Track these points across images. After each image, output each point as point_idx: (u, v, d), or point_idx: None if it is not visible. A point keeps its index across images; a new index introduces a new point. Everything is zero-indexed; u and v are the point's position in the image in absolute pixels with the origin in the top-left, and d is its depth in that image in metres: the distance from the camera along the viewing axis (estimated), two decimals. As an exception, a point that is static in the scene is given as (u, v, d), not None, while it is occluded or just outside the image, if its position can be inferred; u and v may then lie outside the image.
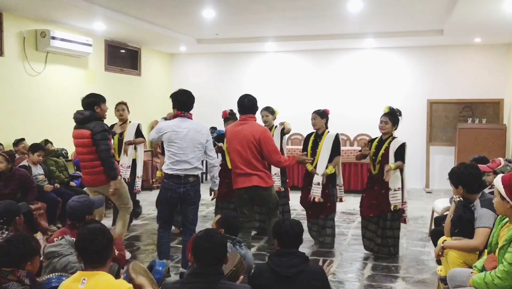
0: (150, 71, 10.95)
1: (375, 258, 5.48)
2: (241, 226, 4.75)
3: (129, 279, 2.83)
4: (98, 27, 8.17)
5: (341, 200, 6.01)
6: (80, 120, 4.87)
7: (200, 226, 6.83)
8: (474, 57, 9.99)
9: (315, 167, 5.76)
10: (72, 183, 7.03)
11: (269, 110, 6.22)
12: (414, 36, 9.05)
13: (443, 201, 6.08)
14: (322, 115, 5.84)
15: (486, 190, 4.25)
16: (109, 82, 9.32)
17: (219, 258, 2.70)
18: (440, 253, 3.85)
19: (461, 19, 7.34)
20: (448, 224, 4.09)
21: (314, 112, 5.90)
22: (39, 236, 5.66)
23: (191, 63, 11.73)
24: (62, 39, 7.64)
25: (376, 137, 5.64)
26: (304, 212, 6.43)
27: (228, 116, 6.33)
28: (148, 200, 8.15)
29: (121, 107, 6.41)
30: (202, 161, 4.95)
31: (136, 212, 7.04)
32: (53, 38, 7.46)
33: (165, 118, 6.72)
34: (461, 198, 3.99)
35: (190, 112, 4.69)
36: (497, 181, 3.03)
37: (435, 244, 4.44)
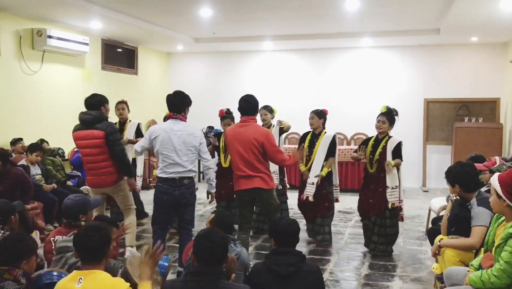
0: (147, 71, 10.93)
1: (372, 257, 5.49)
2: (240, 226, 4.76)
3: (126, 275, 2.82)
4: (94, 26, 8.15)
5: (337, 200, 6.02)
6: (90, 121, 4.82)
7: (198, 225, 6.84)
8: (470, 56, 10.01)
9: (310, 167, 5.78)
10: (69, 182, 7.02)
11: (268, 109, 6.24)
12: (410, 35, 9.06)
13: (440, 200, 6.10)
14: (320, 115, 5.85)
15: (483, 189, 4.26)
16: (106, 82, 9.30)
17: (219, 258, 2.69)
18: (436, 252, 3.86)
19: (457, 18, 7.36)
20: (445, 223, 4.11)
21: (312, 112, 5.91)
22: (34, 235, 5.66)
23: (188, 62, 11.72)
24: (59, 38, 7.61)
25: (372, 137, 5.67)
26: (293, 213, 6.45)
27: (225, 115, 6.32)
28: (146, 200, 8.13)
29: (121, 106, 6.40)
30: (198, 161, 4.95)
31: (145, 212, 7.04)
32: (50, 37, 7.42)
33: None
34: (457, 197, 4.00)
35: (183, 114, 4.59)
36: (494, 180, 3.04)
37: (431, 243, 4.46)
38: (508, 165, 4.58)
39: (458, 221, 3.88)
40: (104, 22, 7.94)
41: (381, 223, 5.49)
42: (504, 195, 2.94)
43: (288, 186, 6.71)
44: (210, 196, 4.89)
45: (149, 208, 7.86)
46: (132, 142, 6.32)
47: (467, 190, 3.88)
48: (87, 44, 8.25)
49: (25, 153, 6.54)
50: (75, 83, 8.57)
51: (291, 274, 2.96)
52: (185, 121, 4.60)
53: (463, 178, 3.88)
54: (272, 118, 6.31)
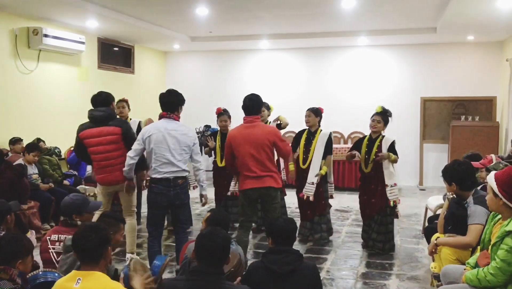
0: (143, 69, 10.91)
1: (369, 255, 5.50)
2: (241, 224, 4.74)
3: (128, 280, 2.80)
4: (91, 24, 8.12)
5: (331, 197, 6.07)
6: (103, 118, 4.80)
7: (195, 224, 6.83)
8: (467, 55, 10.03)
9: (309, 166, 5.80)
10: (66, 182, 7.01)
11: (265, 106, 6.26)
12: (407, 34, 9.07)
13: (437, 198, 6.11)
14: (316, 113, 5.86)
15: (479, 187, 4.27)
16: (102, 80, 9.27)
17: (221, 258, 2.69)
18: (433, 250, 3.87)
19: (454, 17, 7.37)
20: (442, 221, 4.11)
21: (308, 109, 5.92)
22: (29, 235, 5.64)
23: (185, 61, 11.70)
24: (55, 37, 7.58)
25: (365, 136, 5.71)
26: (297, 209, 6.46)
27: (222, 112, 6.49)
28: (143, 199, 8.11)
29: (121, 104, 6.36)
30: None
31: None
32: (46, 35, 7.40)
33: None
34: (454, 195, 4.01)
35: (176, 113, 4.55)
36: (490, 178, 3.05)
37: (428, 241, 4.46)
38: (505, 163, 4.59)
39: (455, 219, 3.89)
40: (100, 21, 7.92)
41: (381, 221, 5.53)
42: (500, 193, 2.94)
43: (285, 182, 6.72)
44: (203, 198, 4.74)
45: (144, 207, 7.86)
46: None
47: (464, 188, 3.89)
48: (83, 43, 8.23)
49: (22, 153, 6.52)
50: (71, 82, 8.55)
51: (288, 273, 2.96)
52: (178, 120, 4.56)
53: (460, 176, 3.89)
54: (268, 115, 6.38)
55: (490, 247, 3.03)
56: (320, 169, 5.76)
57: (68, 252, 3.11)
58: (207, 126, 10.61)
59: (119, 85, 9.81)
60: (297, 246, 5.73)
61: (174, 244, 5.81)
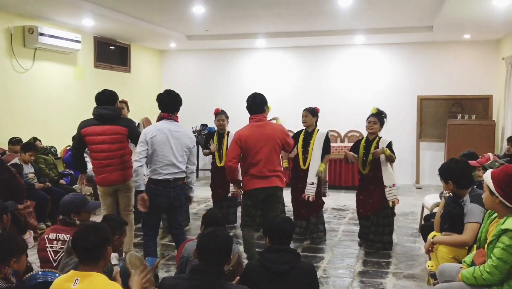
0: (140, 68, 10.88)
1: (366, 254, 5.51)
2: (246, 224, 4.68)
3: (125, 274, 2.79)
4: (87, 23, 8.10)
5: (324, 195, 6.10)
6: (111, 116, 4.76)
7: (192, 223, 6.84)
8: (463, 53, 10.05)
9: (308, 166, 5.83)
10: (62, 181, 6.99)
11: None
12: (403, 32, 9.08)
13: (433, 197, 6.12)
14: (313, 113, 5.89)
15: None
16: (99, 79, 9.25)
17: (222, 258, 2.69)
18: (430, 249, 3.87)
19: (450, 16, 7.38)
20: (438, 220, 4.12)
21: (305, 110, 5.93)
22: (27, 235, 5.63)
23: (181, 59, 11.68)
24: (51, 36, 7.56)
25: (362, 138, 5.74)
26: (288, 208, 6.47)
27: (219, 112, 6.52)
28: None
29: (121, 105, 6.29)
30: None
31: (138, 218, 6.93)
32: (41, 34, 7.37)
33: None
34: (450, 194, 4.01)
35: (176, 114, 4.53)
36: (487, 176, 3.05)
37: (425, 240, 4.47)
38: (501, 162, 4.60)
39: (451, 218, 3.89)
40: (96, 20, 7.90)
41: (378, 222, 5.56)
42: (496, 192, 2.95)
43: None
44: (189, 199, 4.70)
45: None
46: None
47: (461, 186, 3.89)
48: (79, 41, 8.20)
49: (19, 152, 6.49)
50: (67, 81, 8.52)
51: (286, 272, 2.96)
52: (178, 121, 4.55)
53: (457, 174, 3.89)
54: (266, 114, 6.35)
55: (486, 245, 3.04)
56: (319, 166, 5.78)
57: (71, 253, 3.10)
58: (204, 126, 10.61)
59: (115, 84, 9.76)
60: (293, 244, 5.73)
61: (170, 243, 5.83)
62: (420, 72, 10.24)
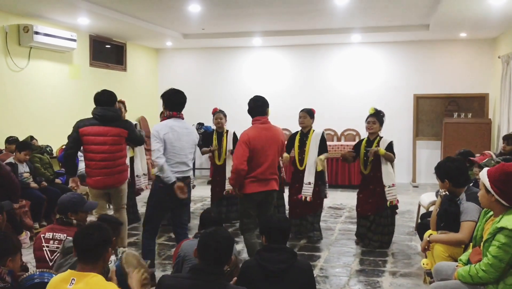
0: (136, 67, 10.85)
1: (363, 253, 5.51)
2: (247, 227, 4.59)
3: (121, 273, 2.78)
4: (82, 21, 8.06)
5: (325, 196, 6.08)
6: (112, 118, 4.73)
7: (190, 222, 6.83)
8: (459, 52, 10.06)
9: (305, 167, 5.84)
10: (58, 180, 6.95)
11: None
12: (400, 31, 9.09)
13: (429, 195, 6.13)
14: (311, 114, 5.93)
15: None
16: (94, 78, 9.21)
17: (223, 258, 2.68)
18: (426, 247, 3.88)
19: (446, 14, 7.38)
20: (434, 218, 4.12)
21: (303, 111, 5.93)
22: (24, 235, 5.60)
23: (177, 58, 11.65)
24: (46, 34, 7.52)
25: (363, 139, 5.76)
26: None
27: (217, 111, 6.56)
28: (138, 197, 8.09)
29: (118, 105, 6.28)
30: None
31: (137, 217, 6.91)
32: (37, 33, 7.33)
33: None
34: (447, 192, 4.01)
35: (182, 112, 4.56)
36: (483, 174, 3.06)
37: (421, 238, 4.47)
38: (497, 160, 4.61)
39: (447, 216, 3.89)
40: (91, 18, 7.86)
41: (379, 221, 5.57)
42: (492, 190, 2.95)
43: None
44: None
45: (138, 206, 7.84)
46: None
47: (457, 185, 3.90)
48: (74, 40, 8.17)
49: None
50: (63, 80, 8.48)
51: (282, 271, 2.95)
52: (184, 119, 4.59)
53: (453, 173, 3.89)
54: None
55: (482, 243, 3.04)
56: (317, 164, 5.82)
57: (67, 254, 3.08)
58: (200, 124, 10.60)
59: (111, 83, 9.74)
60: (290, 243, 5.73)
61: (166, 243, 5.82)
62: (417, 70, 10.25)
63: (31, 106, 7.75)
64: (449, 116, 9.66)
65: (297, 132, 6.04)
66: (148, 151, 9.69)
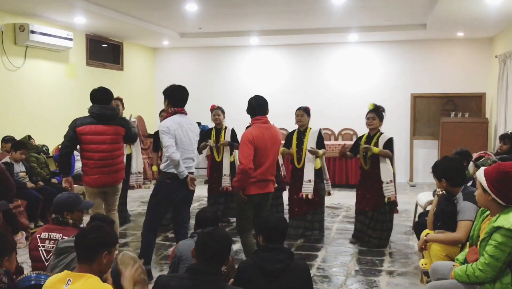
0: (132, 66, 10.82)
1: (360, 252, 5.51)
2: (247, 227, 4.54)
3: (116, 274, 2.76)
4: (78, 21, 8.04)
5: (329, 194, 6.09)
6: (111, 116, 4.71)
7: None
8: (456, 51, 10.07)
9: (303, 165, 5.85)
10: (54, 180, 6.93)
11: None
12: (397, 30, 9.09)
13: (427, 195, 6.13)
14: (308, 112, 5.94)
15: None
16: (91, 77, 9.19)
17: (221, 258, 2.66)
18: (423, 246, 3.87)
19: (443, 14, 7.39)
20: (431, 217, 4.12)
21: (301, 109, 5.93)
22: (19, 235, 5.58)
23: (174, 57, 11.63)
24: (42, 33, 7.49)
25: (363, 134, 5.76)
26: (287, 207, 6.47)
27: (215, 108, 6.61)
28: (131, 196, 8.07)
29: (116, 103, 6.23)
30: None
31: (126, 217, 6.88)
32: (33, 32, 7.31)
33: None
34: (444, 191, 4.01)
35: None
36: (480, 174, 3.05)
37: (418, 237, 4.47)
38: (493, 160, 4.61)
39: (444, 216, 3.89)
40: (88, 17, 7.84)
41: (377, 218, 5.57)
42: (489, 189, 2.95)
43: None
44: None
45: (135, 205, 7.82)
46: None
47: (454, 184, 3.90)
48: (71, 39, 8.14)
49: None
50: (59, 79, 8.46)
51: (279, 271, 2.94)
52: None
53: (450, 172, 3.90)
54: None
55: (478, 243, 3.04)
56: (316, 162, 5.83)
57: (61, 254, 3.07)
58: (198, 124, 10.58)
59: (108, 82, 9.70)
60: (287, 243, 5.72)
61: (163, 242, 5.81)
62: (414, 70, 10.26)
63: (27, 105, 7.72)
64: (446, 115, 9.67)
65: (294, 131, 6.05)
66: (144, 150, 9.70)
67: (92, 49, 9.39)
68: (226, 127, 6.61)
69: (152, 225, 4.55)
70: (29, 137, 7.08)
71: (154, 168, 6.53)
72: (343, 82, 10.62)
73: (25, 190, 6.13)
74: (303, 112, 5.88)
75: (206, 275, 2.57)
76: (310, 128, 5.91)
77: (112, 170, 4.77)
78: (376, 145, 5.50)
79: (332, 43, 10.56)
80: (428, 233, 3.99)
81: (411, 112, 10.11)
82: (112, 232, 2.67)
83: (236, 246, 5.61)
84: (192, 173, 4.52)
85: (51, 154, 7.84)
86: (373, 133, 5.60)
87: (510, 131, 6.93)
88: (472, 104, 9.80)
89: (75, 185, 7.04)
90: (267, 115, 4.58)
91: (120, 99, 6.42)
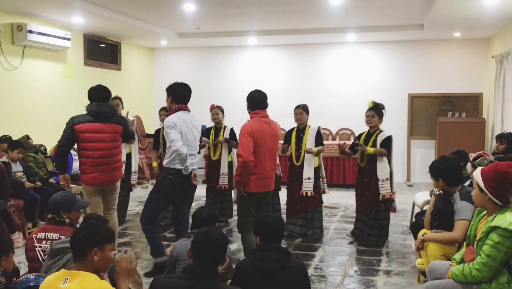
0: (130, 66, 10.82)
1: (357, 252, 5.52)
2: (249, 225, 4.47)
3: (113, 273, 2.77)
4: (76, 20, 8.03)
5: (324, 192, 6.09)
6: (109, 114, 4.70)
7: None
8: (454, 51, 10.10)
9: (302, 162, 5.86)
10: (52, 180, 6.92)
11: None
12: (394, 30, 9.11)
13: (424, 194, 6.15)
14: (307, 110, 5.95)
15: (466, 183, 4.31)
16: (89, 77, 9.17)
17: (217, 258, 2.67)
18: (420, 246, 3.88)
19: (441, 14, 7.41)
20: (428, 217, 4.13)
21: (299, 107, 5.94)
22: (16, 235, 5.57)
23: (172, 57, 11.63)
24: (40, 33, 7.49)
25: (364, 132, 5.77)
26: (285, 207, 6.48)
27: (215, 107, 6.64)
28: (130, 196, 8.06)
29: (115, 102, 6.22)
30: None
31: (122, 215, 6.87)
32: (30, 32, 7.30)
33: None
34: (441, 191, 4.02)
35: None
36: (477, 174, 3.06)
37: (415, 237, 4.48)
38: (490, 159, 4.63)
39: (441, 215, 3.90)
40: (86, 17, 7.83)
41: (375, 215, 5.59)
42: (486, 189, 2.96)
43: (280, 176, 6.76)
44: None
45: (132, 205, 7.81)
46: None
47: (451, 184, 3.91)
48: (69, 39, 8.14)
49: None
50: (57, 79, 8.45)
51: (276, 270, 2.95)
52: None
53: (447, 172, 3.91)
54: None
55: (475, 242, 3.05)
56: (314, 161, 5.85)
57: (56, 255, 3.06)
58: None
59: (106, 82, 9.55)
60: (285, 243, 5.73)
61: (164, 242, 5.80)
62: (411, 70, 10.28)
63: (25, 105, 7.71)
64: (443, 115, 9.69)
65: (293, 128, 6.05)
66: (142, 150, 9.69)
67: (90, 49, 9.38)
68: (225, 126, 6.62)
69: (151, 220, 4.55)
70: (28, 137, 7.07)
71: (154, 164, 6.53)
72: (340, 82, 10.63)
73: (22, 189, 6.12)
74: (302, 111, 5.90)
75: (202, 275, 2.58)
76: (309, 126, 5.92)
77: (110, 168, 4.76)
78: (375, 142, 5.50)
79: (330, 43, 10.57)
80: (425, 233, 4.00)
81: (408, 112, 10.14)
82: (102, 229, 2.65)
83: (234, 246, 5.62)
84: (194, 170, 4.55)
85: (48, 154, 7.83)
86: (373, 131, 5.62)
87: (506, 131, 6.96)
88: (469, 104, 9.83)
89: (72, 185, 7.06)
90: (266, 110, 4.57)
91: (119, 98, 6.42)
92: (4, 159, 6.19)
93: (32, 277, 2.89)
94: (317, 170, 5.92)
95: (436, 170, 4.00)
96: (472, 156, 5.23)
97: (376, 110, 5.57)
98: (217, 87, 11.16)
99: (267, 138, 4.36)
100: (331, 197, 8.47)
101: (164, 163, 4.48)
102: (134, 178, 6.62)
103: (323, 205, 6.16)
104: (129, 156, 6.46)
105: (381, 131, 5.59)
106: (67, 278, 2.44)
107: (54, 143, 7.83)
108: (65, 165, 4.89)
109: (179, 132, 4.34)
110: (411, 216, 6.39)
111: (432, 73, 10.17)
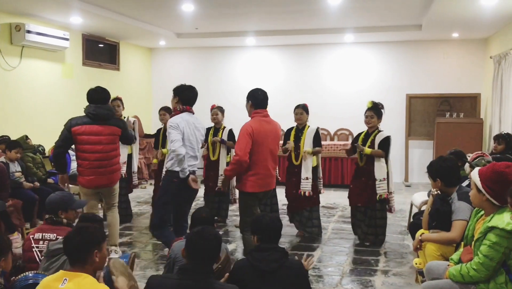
0: (129, 66, 10.81)
1: (355, 252, 5.53)
2: (248, 226, 4.45)
3: (109, 278, 2.77)
4: (75, 20, 8.02)
5: (319, 192, 6.09)
6: (107, 116, 4.69)
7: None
8: (452, 52, 10.12)
9: (300, 162, 5.89)
10: (50, 180, 6.92)
11: None
12: (392, 31, 9.12)
13: (422, 194, 6.15)
14: (307, 110, 5.97)
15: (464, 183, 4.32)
16: (87, 77, 9.17)
17: (211, 257, 2.68)
18: (418, 246, 3.89)
19: (439, 14, 7.42)
20: (426, 217, 4.14)
21: (300, 107, 5.96)
22: (16, 235, 5.56)
23: (171, 57, 11.62)
24: (38, 33, 7.47)
25: (363, 132, 5.79)
26: (284, 206, 6.49)
27: (215, 107, 6.64)
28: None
29: (116, 103, 6.20)
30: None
31: (129, 214, 6.87)
32: (29, 32, 7.29)
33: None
34: (438, 192, 4.04)
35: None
36: (474, 174, 3.08)
37: (413, 237, 4.49)
38: (487, 160, 4.64)
39: (439, 216, 3.91)
40: (84, 17, 7.83)
41: (371, 214, 5.61)
42: (484, 189, 2.97)
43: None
44: None
45: (132, 204, 7.80)
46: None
47: (448, 184, 3.92)
48: (67, 39, 8.13)
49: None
50: (55, 79, 8.44)
51: (274, 270, 2.95)
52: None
53: (445, 172, 3.92)
54: None
55: (473, 242, 3.06)
56: (312, 160, 5.86)
57: (52, 256, 3.07)
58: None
59: (104, 82, 9.66)
60: (283, 243, 5.74)
61: (159, 242, 5.80)
62: (409, 70, 10.30)
63: (23, 105, 7.70)
64: (441, 116, 9.71)
65: (292, 128, 6.08)
66: (141, 150, 9.69)
67: (89, 49, 9.37)
68: (224, 127, 6.62)
69: (161, 224, 4.52)
70: (26, 137, 7.06)
71: (155, 161, 6.53)
72: (339, 83, 10.64)
73: (21, 190, 6.12)
74: (302, 110, 5.91)
75: (196, 274, 2.59)
76: (309, 126, 5.94)
77: (108, 171, 4.74)
78: (373, 142, 5.51)
79: (328, 43, 10.58)
80: (423, 233, 4.01)
81: (406, 112, 10.15)
82: (97, 229, 2.67)
83: (232, 246, 5.63)
84: (194, 172, 4.53)
85: (47, 154, 7.82)
86: (372, 131, 5.62)
87: (504, 131, 6.97)
88: (467, 104, 9.86)
89: (70, 185, 7.07)
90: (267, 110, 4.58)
91: (120, 99, 6.42)
92: (2, 159, 6.18)
93: (30, 275, 2.89)
94: (315, 170, 5.95)
95: (434, 170, 4.01)
96: (470, 156, 5.24)
97: (375, 111, 5.57)
98: (216, 87, 11.15)
99: (268, 137, 4.38)
100: (329, 197, 8.48)
101: (167, 165, 4.48)
102: (134, 179, 6.63)
103: (320, 205, 6.17)
104: (130, 156, 6.46)
105: (380, 131, 5.60)
106: (65, 279, 2.45)
107: (53, 143, 7.77)
108: (63, 165, 4.88)
109: (181, 133, 4.35)
110: (409, 216, 6.39)
111: (430, 74, 10.19)
